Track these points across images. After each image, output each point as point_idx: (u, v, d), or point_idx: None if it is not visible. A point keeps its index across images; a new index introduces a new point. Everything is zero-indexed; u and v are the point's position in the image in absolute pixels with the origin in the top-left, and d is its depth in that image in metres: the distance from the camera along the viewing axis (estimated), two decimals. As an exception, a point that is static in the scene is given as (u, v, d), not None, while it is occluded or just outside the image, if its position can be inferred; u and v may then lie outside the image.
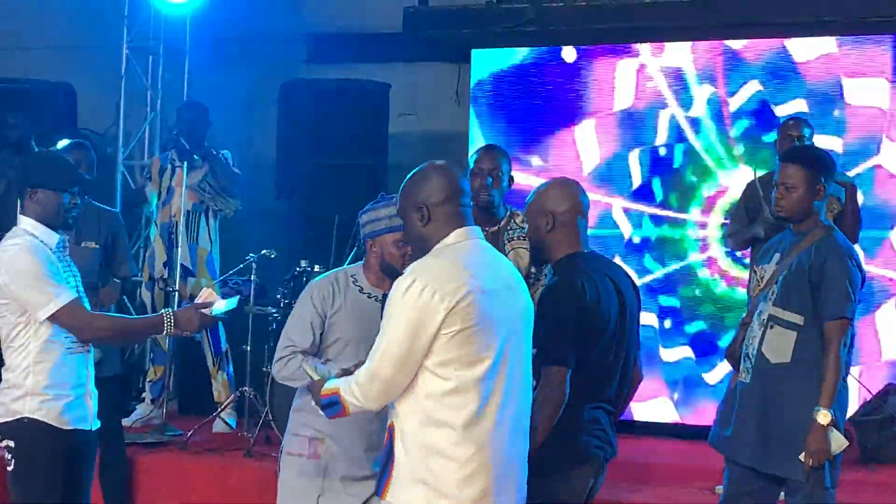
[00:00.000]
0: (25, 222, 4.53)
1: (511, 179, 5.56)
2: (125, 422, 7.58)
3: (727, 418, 4.95)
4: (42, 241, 4.49)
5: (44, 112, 8.72)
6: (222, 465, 6.78)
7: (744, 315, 5.10)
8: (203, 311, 4.52)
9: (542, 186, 4.47)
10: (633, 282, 4.50)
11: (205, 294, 4.60)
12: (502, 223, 5.45)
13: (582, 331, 4.17)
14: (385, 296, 3.96)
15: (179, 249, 7.60)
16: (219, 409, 7.57)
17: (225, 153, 7.77)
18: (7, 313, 4.47)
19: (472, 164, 5.55)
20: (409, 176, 3.74)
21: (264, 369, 7.06)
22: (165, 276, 7.65)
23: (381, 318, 3.65)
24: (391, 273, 4.31)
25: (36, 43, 10.03)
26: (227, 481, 6.65)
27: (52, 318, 4.41)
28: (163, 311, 4.55)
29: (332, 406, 3.68)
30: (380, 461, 3.70)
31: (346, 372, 3.80)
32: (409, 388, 3.57)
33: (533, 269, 5.31)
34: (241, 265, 7.00)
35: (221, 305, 4.54)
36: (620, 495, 6.29)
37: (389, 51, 9.35)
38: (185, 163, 7.59)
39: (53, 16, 10.04)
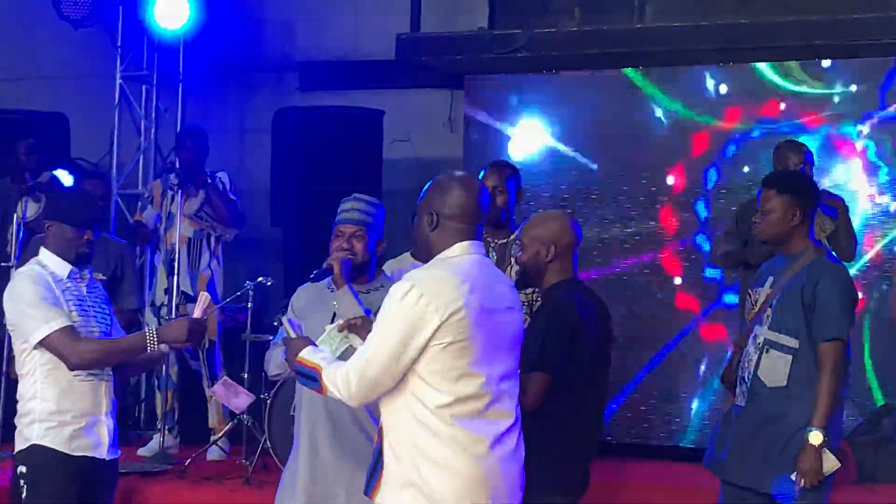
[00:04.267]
0: (43, 253, 4.67)
1: (520, 194, 5.64)
2: (140, 451, 7.62)
3: (722, 441, 4.98)
4: (52, 272, 4.58)
5: (37, 143, 8.71)
6: (221, 493, 6.77)
7: (737, 338, 5.14)
8: (196, 318, 4.54)
9: (543, 215, 4.67)
10: (608, 311, 4.70)
11: (202, 300, 4.61)
12: (512, 236, 5.51)
13: (575, 349, 4.37)
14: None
15: (179, 276, 7.62)
16: (217, 437, 7.57)
17: (221, 175, 7.78)
18: (16, 340, 4.58)
19: None
20: (436, 178, 3.79)
21: (262, 396, 7.08)
22: (165, 302, 7.67)
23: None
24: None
25: (29, 73, 10.04)
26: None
27: (43, 344, 4.47)
28: (146, 327, 4.58)
29: (310, 379, 3.72)
30: (371, 460, 3.72)
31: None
32: (400, 394, 3.60)
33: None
34: (238, 293, 7.02)
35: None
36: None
37: (382, 78, 9.37)
38: (181, 190, 7.60)
39: (46, 46, 10.04)
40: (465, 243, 3.70)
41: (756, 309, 4.97)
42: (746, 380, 4.89)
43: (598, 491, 6.89)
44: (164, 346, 4.54)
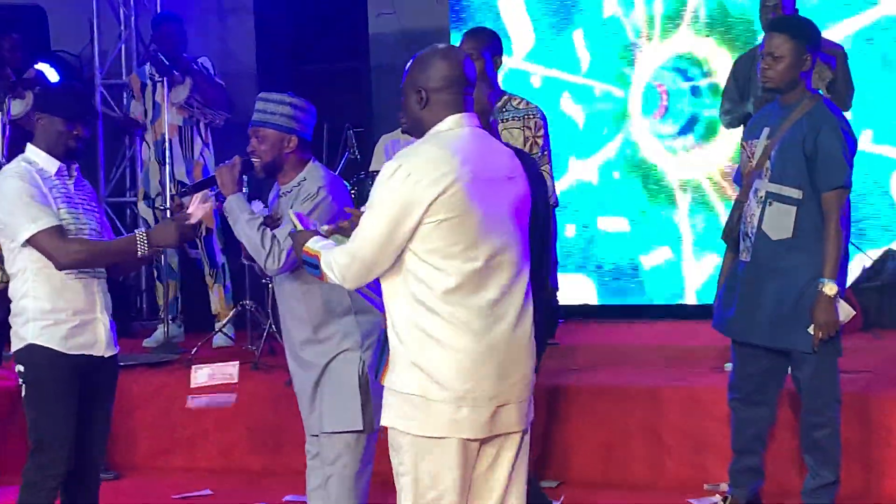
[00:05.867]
0: (30, 149, 4.58)
1: (498, 62, 5.52)
2: (145, 342, 7.63)
3: (729, 300, 4.96)
4: (40, 168, 4.50)
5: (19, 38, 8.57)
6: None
7: (738, 193, 5.08)
8: (186, 219, 4.49)
9: None
10: None
11: (196, 199, 4.55)
12: (498, 105, 5.42)
13: None
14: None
15: (174, 166, 7.53)
16: (221, 324, 7.57)
17: (203, 60, 7.66)
18: (4, 239, 4.52)
19: None
20: (413, 57, 3.72)
21: (264, 281, 7.05)
22: (161, 193, 7.60)
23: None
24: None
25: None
26: (238, 395, 6.65)
27: (30, 243, 4.42)
28: (136, 231, 4.52)
29: (314, 268, 3.72)
30: (377, 344, 3.74)
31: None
32: (398, 274, 3.56)
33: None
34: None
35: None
36: (622, 380, 6.34)
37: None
38: (166, 79, 7.49)
39: (17, -63, 9.82)
40: (457, 116, 3.62)
41: (754, 162, 4.90)
42: (750, 235, 4.85)
43: (604, 353, 7.06)
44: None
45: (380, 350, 3.72)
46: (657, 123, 8.07)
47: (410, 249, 3.53)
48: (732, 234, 5.00)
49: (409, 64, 3.70)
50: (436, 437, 3.54)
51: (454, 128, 3.61)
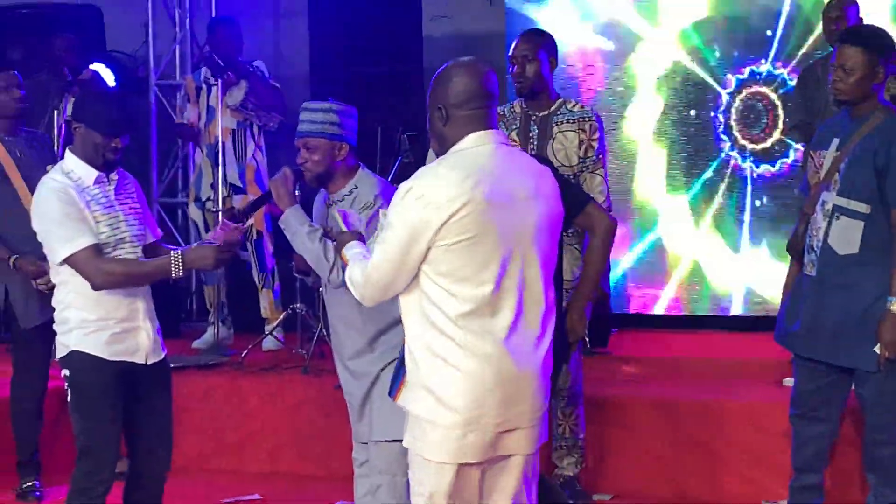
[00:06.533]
0: (68, 157, 4.55)
1: (554, 63, 5.45)
2: (195, 344, 7.62)
3: (793, 314, 4.86)
4: (78, 177, 4.47)
5: (74, 37, 8.59)
6: (280, 383, 6.73)
7: (804, 205, 4.98)
8: (230, 233, 4.45)
9: None
10: None
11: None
12: (552, 108, 5.37)
13: None
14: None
15: (226, 168, 7.51)
16: (271, 328, 7.55)
17: (258, 64, 7.65)
18: (48, 251, 4.52)
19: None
20: (436, 73, 3.66)
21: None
22: (212, 196, 7.58)
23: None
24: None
25: (58, -35, 9.86)
26: (286, 399, 6.63)
27: (67, 262, 4.42)
28: (171, 252, 4.49)
29: None
30: (398, 361, 3.71)
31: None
32: (413, 296, 3.53)
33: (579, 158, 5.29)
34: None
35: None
36: (678, 393, 6.25)
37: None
38: (221, 81, 7.46)
39: (74, -63, 9.86)
40: (478, 133, 3.54)
41: (822, 174, 4.80)
42: (815, 248, 4.76)
43: (658, 364, 6.98)
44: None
45: (397, 368, 3.70)
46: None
47: (424, 271, 3.49)
48: (798, 247, 4.90)
49: (431, 83, 3.65)
50: (439, 462, 3.51)
51: (475, 146, 3.54)
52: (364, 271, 3.57)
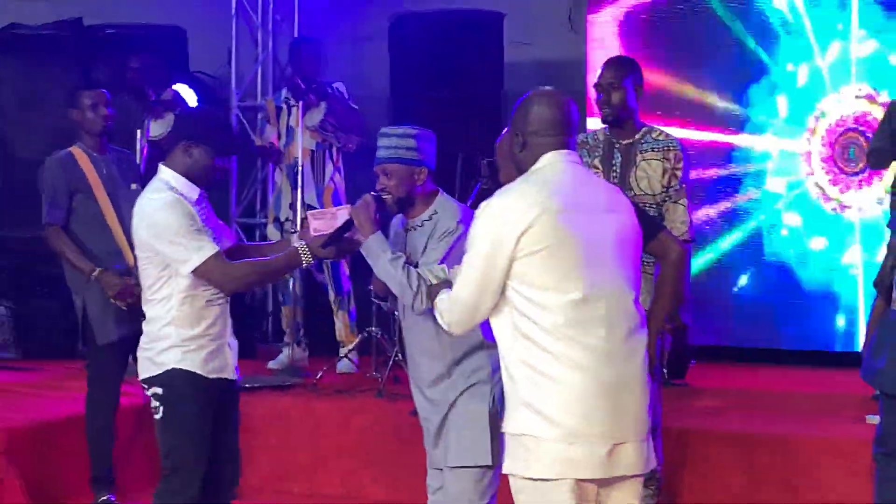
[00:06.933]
0: (167, 174, 4.54)
1: (640, 91, 5.39)
2: (270, 364, 7.64)
3: (879, 350, 4.75)
4: (183, 194, 4.48)
5: (156, 57, 8.68)
6: (353, 406, 6.73)
7: (891, 239, 4.89)
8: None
9: None
10: None
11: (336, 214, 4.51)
12: (637, 136, 5.31)
13: None
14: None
15: (304, 190, 7.53)
16: (346, 350, 7.55)
17: (338, 85, 7.68)
18: (149, 266, 4.49)
19: None
20: (517, 101, 3.72)
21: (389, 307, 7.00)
22: (291, 217, 7.61)
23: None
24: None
25: (144, -13, 10.00)
26: (359, 423, 6.62)
27: (196, 273, 4.41)
28: (296, 244, 4.48)
29: None
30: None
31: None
32: (503, 313, 3.54)
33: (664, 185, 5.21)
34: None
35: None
36: (757, 426, 6.14)
37: (500, -22, 9.14)
38: (301, 102, 7.50)
39: (160, -42, 9.99)
40: (554, 153, 3.61)
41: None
42: (902, 284, 4.66)
43: (736, 397, 6.88)
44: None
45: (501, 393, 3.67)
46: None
47: (511, 286, 3.50)
48: (885, 282, 4.82)
49: (514, 108, 3.71)
50: (551, 480, 3.44)
51: (550, 164, 3.60)
52: (450, 296, 3.61)
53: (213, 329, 4.50)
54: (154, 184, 4.55)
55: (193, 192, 4.51)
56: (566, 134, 3.63)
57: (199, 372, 4.47)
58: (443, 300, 3.66)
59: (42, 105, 8.18)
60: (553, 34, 9.04)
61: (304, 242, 4.45)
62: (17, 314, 8.45)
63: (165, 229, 4.40)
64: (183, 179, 4.50)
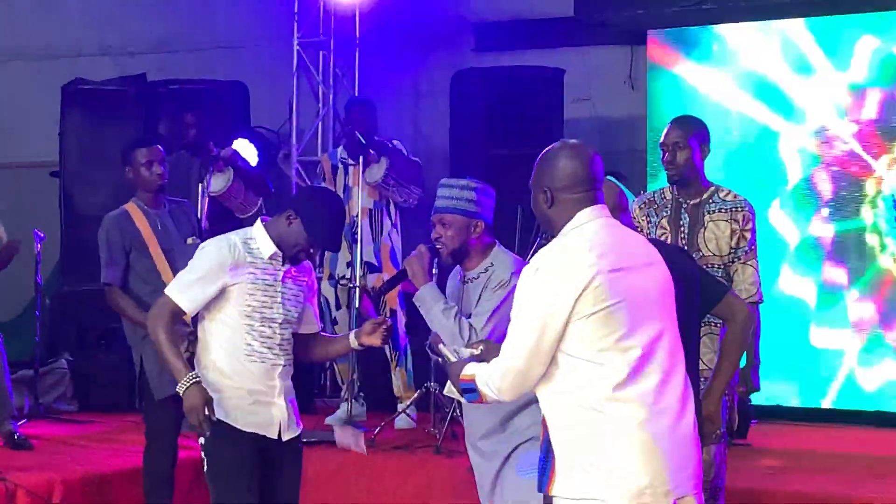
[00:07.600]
0: (259, 229, 4.56)
1: (706, 150, 5.34)
2: (328, 420, 7.63)
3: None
4: (257, 248, 4.50)
5: (218, 111, 8.78)
6: (412, 462, 6.70)
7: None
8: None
9: None
10: None
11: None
12: (704, 196, 5.26)
13: None
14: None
15: (362, 247, 7.54)
16: (404, 406, 7.52)
17: (396, 143, 7.70)
18: (207, 312, 4.57)
19: None
20: (541, 153, 3.64)
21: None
22: (348, 275, 7.61)
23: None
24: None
25: (206, 43, 10.15)
26: (417, 479, 6.57)
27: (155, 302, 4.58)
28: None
29: (471, 392, 3.63)
30: (541, 454, 3.60)
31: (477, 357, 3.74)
32: (553, 377, 3.47)
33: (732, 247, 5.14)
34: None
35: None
36: (820, 487, 6.03)
37: (560, 35, 9.19)
38: (362, 158, 7.51)
39: (222, 15, 10.15)
40: (588, 209, 3.53)
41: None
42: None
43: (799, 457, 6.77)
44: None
45: (542, 460, 3.58)
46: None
47: (563, 350, 3.44)
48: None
49: (536, 163, 3.64)
50: None
51: (587, 221, 3.53)
52: (501, 363, 3.51)
53: (252, 384, 4.51)
54: (241, 230, 4.62)
55: (269, 249, 4.51)
56: (595, 189, 3.57)
57: (232, 423, 4.48)
58: (489, 369, 3.55)
59: (106, 160, 8.25)
60: (613, 91, 9.05)
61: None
62: (77, 368, 8.52)
63: (194, 259, 4.50)
64: (269, 240, 4.52)
